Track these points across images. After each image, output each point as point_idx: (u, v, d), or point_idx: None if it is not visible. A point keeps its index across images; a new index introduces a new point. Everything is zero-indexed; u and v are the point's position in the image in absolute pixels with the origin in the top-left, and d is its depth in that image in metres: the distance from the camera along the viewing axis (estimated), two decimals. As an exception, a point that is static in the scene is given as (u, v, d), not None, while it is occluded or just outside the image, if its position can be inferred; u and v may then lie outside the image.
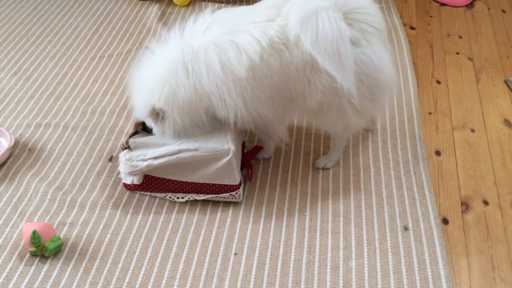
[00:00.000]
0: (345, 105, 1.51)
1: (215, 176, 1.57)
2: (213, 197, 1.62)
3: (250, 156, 1.74)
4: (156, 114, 1.51)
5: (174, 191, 1.63)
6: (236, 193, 1.60)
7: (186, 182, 1.60)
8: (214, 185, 1.59)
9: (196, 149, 1.53)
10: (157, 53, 1.53)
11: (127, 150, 1.57)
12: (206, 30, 1.46)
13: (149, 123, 1.58)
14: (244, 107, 1.47)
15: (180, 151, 1.53)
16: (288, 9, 1.42)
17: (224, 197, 1.62)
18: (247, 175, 1.70)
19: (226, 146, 1.53)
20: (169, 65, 1.46)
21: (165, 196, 1.64)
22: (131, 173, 1.57)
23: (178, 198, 1.64)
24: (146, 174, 1.60)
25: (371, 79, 1.47)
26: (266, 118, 1.54)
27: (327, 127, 1.71)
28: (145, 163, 1.54)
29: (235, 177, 1.58)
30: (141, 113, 1.56)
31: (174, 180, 1.60)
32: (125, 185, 1.67)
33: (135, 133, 1.66)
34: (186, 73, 1.45)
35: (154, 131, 1.60)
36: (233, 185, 1.59)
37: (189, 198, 1.63)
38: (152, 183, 1.62)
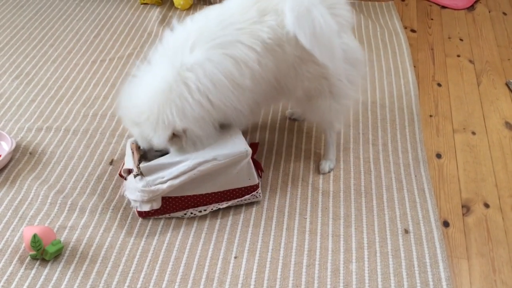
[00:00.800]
0: (337, 84, 1.60)
1: (236, 180, 1.56)
2: (236, 202, 1.61)
3: (253, 153, 1.73)
4: (176, 136, 1.47)
5: (194, 206, 1.58)
6: (257, 192, 1.61)
7: (206, 194, 1.56)
8: (234, 189, 1.58)
9: (214, 159, 1.50)
10: (144, 77, 1.49)
11: (139, 177, 1.50)
12: (193, 46, 1.42)
13: (164, 146, 1.51)
14: (249, 110, 1.52)
15: (199, 164, 1.49)
16: (274, 8, 1.45)
17: (246, 200, 1.62)
18: (258, 172, 1.67)
19: (243, 148, 1.53)
20: (164, 86, 1.42)
21: (185, 214, 1.59)
22: (150, 199, 1.51)
23: (200, 212, 1.59)
24: (163, 196, 1.53)
25: (353, 59, 1.61)
26: (258, 111, 1.61)
27: (322, 115, 1.71)
28: (166, 184, 1.48)
29: (254, 177, 1.58)
30: (161, 142, 1.47)
31: (194, 195, 1.56)
32: (140, 213, 1.57)
33: (140, 158, 1.56)
34: (189, 90, 1.41)
35: (172, 151, 1.53)
36: (253, 185, 1.60)
37: (212, 209, 1.59)
38: (171, 204, 1.56)
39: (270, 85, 1.54)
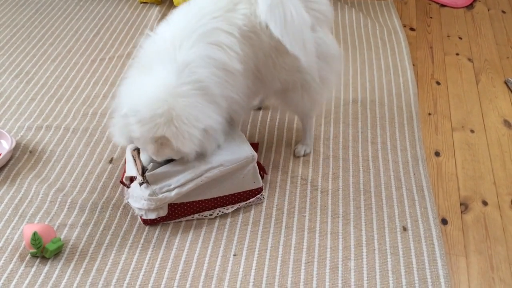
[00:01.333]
0: (307, 77, 1.62)
1: (241, 184, 1.57)
2: (241, 205, 1.61)
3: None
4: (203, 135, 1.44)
5: (200, 211, 1.58)
6: (261, 194, 1.63)
7: (211, 198, 1.56)
8: (239, 193, 1.59)
9: (221, 165, 1.50)
10: (146, 84, 1.43)
11: (145, 185, 1.47)
12: (181, 44, 1.42)
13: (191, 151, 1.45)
14: (244, 98, 1.53)
15: (206, 171, 1.49)
16: None
17: (250, 203, 1.62)
18: (260, 174, 1.66)
19: (249, 153, 1.54)
20: (174, 90, 1.38)
21: (192, 217, 1.59)
22: (156, 207, 1.50)
23: (206, 216, 1.59)
24: (169, 203, 1.52)
25: (327, 55, 1.64)
26: (250, 100, 1.62)
27: (295, 107, 1.77)
28: (173, 192, 1.47)
29: (259, 180, 1.60)
30: (189, 148, 1.42)
31: (199, 200, 1.55)
32: (145, 221, 1.56)
33: (142, 168, 1.51)
34: (193, 88, 1.40)
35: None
36: (258, 188, 1.61)
37: (218, 214, 1.59)
38: (176, 210, 1.55)
39: (253, 75, 1.55)
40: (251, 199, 1.61)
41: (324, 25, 1.62)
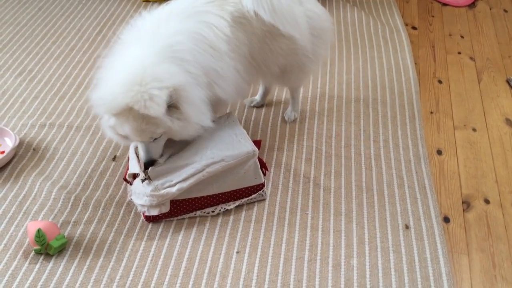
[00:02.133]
0: (303, 59, 1.68)
1: (243, 180, 1.58)
2: (243, 201, 1.62)
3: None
4: (174, 108, 1.38)
5: (202, 207, 1.59)
6: (263, 191, 1.63)
7: (213, 195, 1.57)
8: (241, 189, 1.60)
9: (222, 160, 1.51)
10: (124, 56, 1.40)
11: (147, 182, 1.48)
12: (168, 20, 1.43)
13: (164, 122, 1.38)
14: (232, 80, 1.53)
15: (207, 166, 1.50)
16: None
17: (252, 199, 1.63)
18: (262, 171, 1.67)
19: (250, 148, 1.55)
20: (150, 53, 1.36)
21: (194, 214, 1.59)
22: (158, 203, 1.50)
23: (208, 213, 1.60)
24: (171, 200, 1.53)
25: (319, 29, 1.67)
26: (241, 89, 1.62)
27: (291, 84, 1.91)
28: (175, 188, 1.47)
29: (260, 176, 1.60)
30: (158, 113, 1.32)
31: (201, 197, 1.56)
32: (148, 218, 1.56)
33: (145, 167, 1.51)
34: (174, 53, 1.39)
35: (180, 154, 1.51)
36: (260, 184, 1.61)
37: (220, 210, 1.60)
38: (178, 207, 1.56)
39: (247, 61, 1.56)
40: (253, 195, 1.62)
41: None
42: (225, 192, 1.58)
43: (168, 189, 1.48)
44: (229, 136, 1.58)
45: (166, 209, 1.53)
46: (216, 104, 1.55)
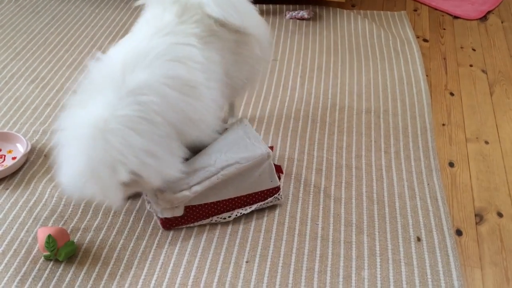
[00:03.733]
0: (264, 65, 1.73)
1: (259, 183, 1.57)
2: (259, 205, 1.61)
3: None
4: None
5: (218, 213, 1.58)
6: (279, 194, 1.62)
7: (229, 199, 1.56)
8: (256, 193, 1.59)
9: (237, 162, 1.51)
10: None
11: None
12: (134, 67, 1.29)
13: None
14: (212, 116, 1.48)
15: (222, 169, 1.49)
16: (186, 6, 1.43)
17: (268, 203, 1.62)
18: (278, 175, 1.66)
19: (264, 150, 1.54)
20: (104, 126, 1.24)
21: (211, 220, 1.59)
22: (172, 207, 1.50)
23: (224, 218, 1.59)
24: (186, 205, 1.53)
25: (262, 22, 1.66)
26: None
27: (241, 95, 1.88)
28: (191, 191, 1.48)
29: (275, 179, 1.59)
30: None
31: (217, 201, 1.55)
32: (165, 224, 1.56)
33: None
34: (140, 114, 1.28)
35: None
36: (275, 187, 1.61)
37: (236, 215, 1.59)
38: (194, 213, 1.55)
39: (223, 84, 1.53)
40: (269, 199, 1.61)
41: None
42: (241, 196, 1.57)
43: (185, 192, 1.48)
44: (242, 140, 1.58)
45: (180, 212, 1.52)
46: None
